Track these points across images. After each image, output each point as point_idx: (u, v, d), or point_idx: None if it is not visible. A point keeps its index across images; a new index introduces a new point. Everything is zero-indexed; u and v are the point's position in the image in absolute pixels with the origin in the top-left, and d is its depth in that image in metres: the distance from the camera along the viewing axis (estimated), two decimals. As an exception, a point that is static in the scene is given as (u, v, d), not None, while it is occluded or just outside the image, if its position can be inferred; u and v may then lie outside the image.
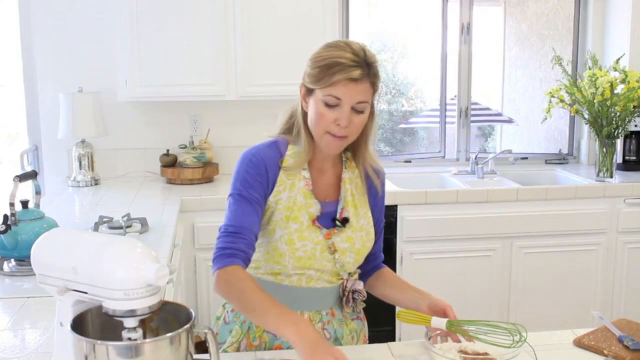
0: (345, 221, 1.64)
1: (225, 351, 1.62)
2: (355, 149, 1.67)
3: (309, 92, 1.57)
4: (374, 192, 1.72)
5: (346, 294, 1.67)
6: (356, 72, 1.49)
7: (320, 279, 1.64)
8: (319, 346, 1.34)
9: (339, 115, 1.52)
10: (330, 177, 1.68)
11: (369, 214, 1.71)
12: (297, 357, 1.48)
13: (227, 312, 1.71)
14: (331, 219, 1.64)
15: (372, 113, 1.62)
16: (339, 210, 1.65)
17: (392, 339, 1.53)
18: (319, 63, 1.53)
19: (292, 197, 1.61)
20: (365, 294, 1.70)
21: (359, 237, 1.66)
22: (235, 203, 1.57)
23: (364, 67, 1.51)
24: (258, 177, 1.59)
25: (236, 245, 1.52)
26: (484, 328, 1.51)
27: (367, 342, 1.78)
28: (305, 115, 1.60)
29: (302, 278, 1.63)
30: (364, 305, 1.75)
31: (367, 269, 1.78)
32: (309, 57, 1.58)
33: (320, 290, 1.65)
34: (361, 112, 1.54)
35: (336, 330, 1.67)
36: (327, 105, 1.52)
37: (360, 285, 1.69)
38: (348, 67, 1.49)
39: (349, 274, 1.69)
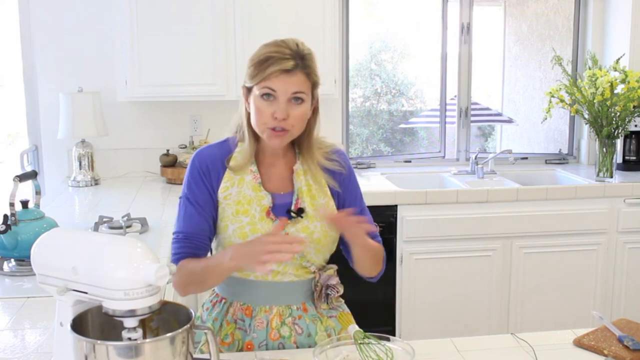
0: (300, 211, 1.64)
1: (201, 350, 1.64)
2: (300, 143, 1.69)
3: (248, 91, 1.61)
4: (331, 189, 1.71)
5: (318, 289, 1.67)
6: (289, 64, 1.53)
7: (286, 273, 1.64)
8: (248, 249, 1.46)
9: (275, 108, 1.55)
10: (283, 170, 1.69)
11: (332, 203, 1.69)
12: (297, 357, 1.48)
13: (204, 311, 1.74)
14: (286, 211, 1.65)
15: (316, 108, 1.66)
16: (293, 202, 1.66)
17: (392, 339, 1.55)
18: (253, 61, 1.58)
19: (242, 191, 1.64)
20: (339, 290, 1.69)
21: (319, 227, 1.64)
22: (183, 207, 1.66)
23: (297, 58, 1.55)
24: (201, 178, 1.65)
25: (182, 250, 1.63)
26: (371, 354, 1.44)
27: None
28: (248, 115, 1.64)
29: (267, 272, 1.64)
30: (341, 302, 1.74)
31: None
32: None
33: (288, 285, 1.65)
34: (299, 103, 1.57)
35: (308, 325, 1.66)
36: (264, 98, 1.56)
37: (334, 281, 1.68)
38: (280, 60, 1.53)
39: (320, 269, 1.68)
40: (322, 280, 1.67)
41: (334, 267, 1.72)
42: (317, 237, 1.64)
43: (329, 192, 1.70)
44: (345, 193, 1.72)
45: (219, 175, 1.65)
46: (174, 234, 1.67)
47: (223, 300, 1.70)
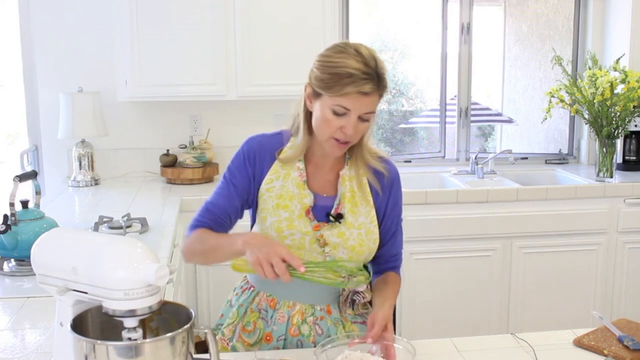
0: (339, 217, 1.65)
1: (222, 331, 1.67)
2: (351, 149, 1.68)
3: (316, 94, 1.57)
4: (374, 192, 1.71)
5: (345, 293, 1.67)
6: (368, 86, 1.50)
7: (316, 272, 1.63)
8: (264, 246, 1.45)
9: (345, 123, 1.54)
10: (329, 173, 1.70)
11: (373, 213, 1.69)
12: (296, 357, 1.48)
13: (234, 295, 1.77)
14: (326, 214, 1.65)
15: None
16: (334, 206, 1.66)
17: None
18: (330, 70, 1.52)
19: (285, 186, 1.65)
20: (366, 297, 1.69)
21: (356, 235, 1.65)
22: (221, 184, 1.70)
23: (375, 79, 1.51)
24: (244, 163, 1.67)
25: (203, 220, 1.67)
26: (317, 271, 1.49)
27: None
28: (307, 113, 1.62)
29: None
30: (367, 309, 1.73)
31: (375, 271, 1.78)
32: (317, 58, 1.57)
33: (315, 285, 1.63)
34: (367, 120, 1.57)
35: (329, 328, 1.67)
36: (335, 113, 1.53)
37: (362, 287, 1.68)
38: (360, 80, 1.49)
39: (350, 274, 1.68)
40: (350, 284, 1.66)
41: (367, 274, 1.71)
42: (352, 244, 1.64)
43: (371, 201, 1.69)
44: (387, 203, 1.71)
45: (265, 166, 1.66)
46: (204, 203, 1.70)
47: (252, 288, 1.72)
